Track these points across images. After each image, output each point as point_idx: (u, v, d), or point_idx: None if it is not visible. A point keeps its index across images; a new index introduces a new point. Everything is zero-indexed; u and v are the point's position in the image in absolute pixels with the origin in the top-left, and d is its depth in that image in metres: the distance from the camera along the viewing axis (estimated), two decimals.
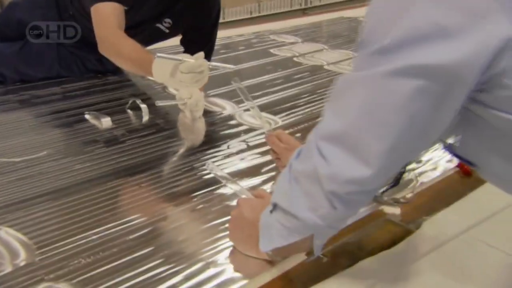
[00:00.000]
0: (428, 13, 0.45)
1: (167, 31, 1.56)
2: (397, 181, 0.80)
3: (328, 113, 0.57)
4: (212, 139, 1.28)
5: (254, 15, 5.29)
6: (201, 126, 1.36)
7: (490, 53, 0.45)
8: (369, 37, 0.51)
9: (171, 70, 1.17)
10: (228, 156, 1.17)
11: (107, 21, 1.31)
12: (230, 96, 1.56)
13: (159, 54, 1.18)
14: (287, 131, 1.30)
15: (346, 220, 0.61)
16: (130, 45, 1.29)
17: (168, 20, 1.52)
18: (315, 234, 0.60)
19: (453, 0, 0.45)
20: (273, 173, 1.07)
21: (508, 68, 0.46)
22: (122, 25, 1.33)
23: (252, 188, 1.00)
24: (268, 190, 0.92)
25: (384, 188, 0.82)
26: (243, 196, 0.83)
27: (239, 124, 1.35)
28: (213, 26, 1.57)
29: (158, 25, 1.54)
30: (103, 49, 1.35)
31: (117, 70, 1.73)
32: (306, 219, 0.57)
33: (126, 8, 1.36)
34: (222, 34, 1.71)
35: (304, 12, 5.34)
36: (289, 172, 0.61)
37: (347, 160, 0.52)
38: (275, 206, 0.62)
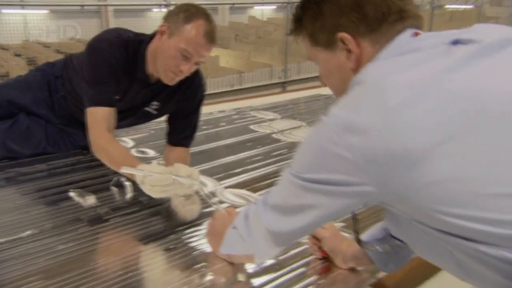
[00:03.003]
0: (328, 174, 0.68)
1: (155, 112, 1.65)
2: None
3: (274, 190, 0.81)
4: (194, 217, 1.32)
5: (235, 87, 5.54)
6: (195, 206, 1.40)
7: (361, 202, 0.70)
8: (297, 165, 0.74)
9: (140, 180, 1.26)
10: None
11: (99, 125, 1.41)
12: (211, 173, 1.63)
13: (123, 167, 1.28)
14: None
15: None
16: (118, 149, 1.40)
17: (156, 103, 1.62)
18: (255, 255, 0.91)
19: (346, 169, 0.65)
20: None
21: (385, 204, 0.70)
22: (112, 127, 1.44)
23: None
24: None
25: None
26: (220, 210, 1.10)
27: (220, 202, 1.41)
28: (197, 107, 1.66)
29: (147, 108, 1.63)
30: (94, 150, 1.43)
31: None
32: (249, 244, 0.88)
33: (118, 98, 1.47)
34: (204, 110, 1.80)
35: (283, 85, 5.62)
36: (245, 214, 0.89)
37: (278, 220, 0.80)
38: (235, 227, 0.91)
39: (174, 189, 1.25)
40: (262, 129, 2.17)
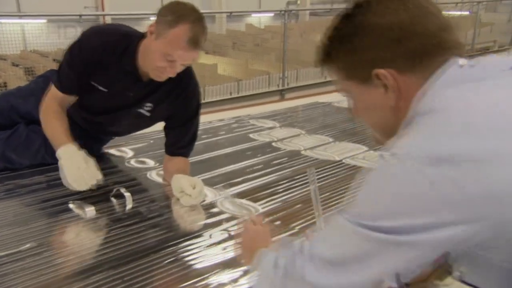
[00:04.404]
0: (408, 219, 0.58)
1: (148, 114, 1.62)
2: None
3: (321, 239, 0.70)
4: (194, 228, 1.32)
5: (234, 95, 5.54)
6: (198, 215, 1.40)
7: (439, 251, 0.58)
8: (363, 212, 0.63)
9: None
10: (210, 246, 1.20)
11: (53, 98, 1.56)
12: (211, 183, 1.62)
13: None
14: (267, 219, 1.35)
15: None
16: (58, 122, 1.54)
17: (149, 104, 1.60)
18: None
19: (431, 208, 0.57)
20: None
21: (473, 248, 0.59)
22: (64, 107, 1.58)
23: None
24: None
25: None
26: (246, 220, 1.02)
27: (221, 212, 1.40)
28: (193, 115, 1.65)
29: (140, 110, 1.61)
30: (40, 117, 1.57)
31: (101, 156, 1.79)
32: None
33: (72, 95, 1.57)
34: (203, 119, 1.79)
35: (281, 92, 5.62)
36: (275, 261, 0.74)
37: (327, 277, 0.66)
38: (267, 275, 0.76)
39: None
40: (261, 138, 2.16)
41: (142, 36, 1.48)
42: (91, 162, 1.44)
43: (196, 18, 1.38)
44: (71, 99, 1.57)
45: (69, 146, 1.45)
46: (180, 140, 1.63)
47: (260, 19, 12.11)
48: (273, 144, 2.07)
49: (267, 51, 8.49)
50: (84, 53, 1.47)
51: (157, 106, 1.60)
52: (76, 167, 1.40)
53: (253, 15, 12.25)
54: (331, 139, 2.14)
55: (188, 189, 1.41)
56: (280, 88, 5.74)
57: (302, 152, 1.96)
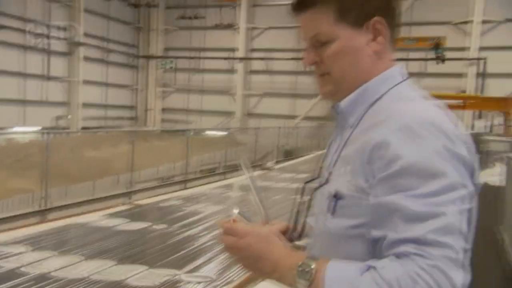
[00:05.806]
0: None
1: None
2: None
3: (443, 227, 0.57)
4: None
5: None
6: None
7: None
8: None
9: None
10: None
11: None
12: None
13: None
14: None
15: None
16: None
17: None
18: None
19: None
20: None
21: None
22: None
23: None
24: None
25: None
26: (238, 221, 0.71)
27: None
28: None
29: None
30: None
31: None
32: None
33: None
34: None
35: (44, 213, 5.36)
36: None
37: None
38: None
39: None
40: (9, 264, 2.15)
41: None
42: None
43: None
44: None
45: None
46: None
47: (25, 134, 11.45)
48: (22, 269, 2.10)
49: (30, 167, 8.02)
50: None
51: None
52: None
53: (16, 128, 11.53)
54: (82, 258, 2.30)
55: None
56: (42, 208, 5.50)
57: (52, 273, 2.06)
